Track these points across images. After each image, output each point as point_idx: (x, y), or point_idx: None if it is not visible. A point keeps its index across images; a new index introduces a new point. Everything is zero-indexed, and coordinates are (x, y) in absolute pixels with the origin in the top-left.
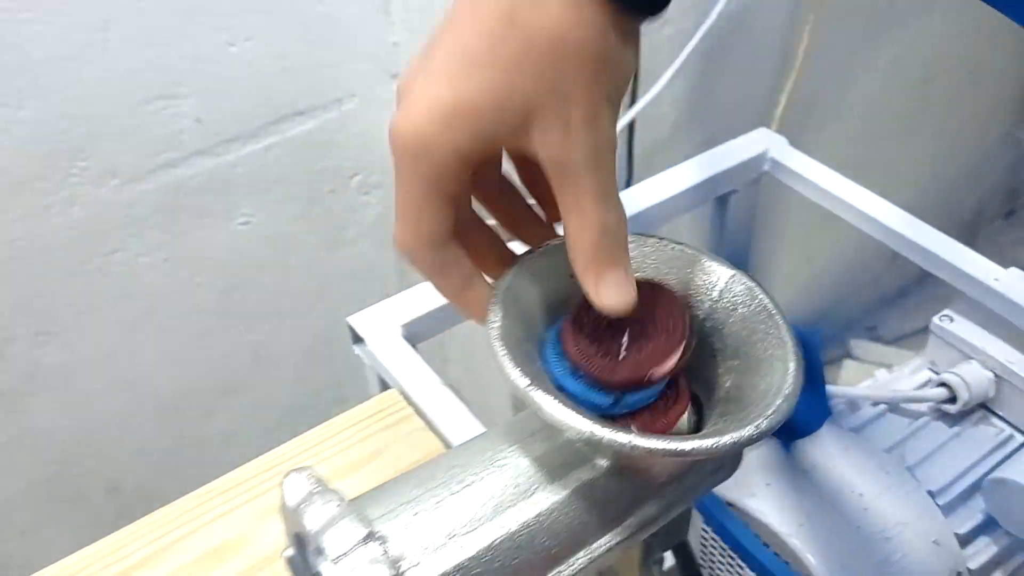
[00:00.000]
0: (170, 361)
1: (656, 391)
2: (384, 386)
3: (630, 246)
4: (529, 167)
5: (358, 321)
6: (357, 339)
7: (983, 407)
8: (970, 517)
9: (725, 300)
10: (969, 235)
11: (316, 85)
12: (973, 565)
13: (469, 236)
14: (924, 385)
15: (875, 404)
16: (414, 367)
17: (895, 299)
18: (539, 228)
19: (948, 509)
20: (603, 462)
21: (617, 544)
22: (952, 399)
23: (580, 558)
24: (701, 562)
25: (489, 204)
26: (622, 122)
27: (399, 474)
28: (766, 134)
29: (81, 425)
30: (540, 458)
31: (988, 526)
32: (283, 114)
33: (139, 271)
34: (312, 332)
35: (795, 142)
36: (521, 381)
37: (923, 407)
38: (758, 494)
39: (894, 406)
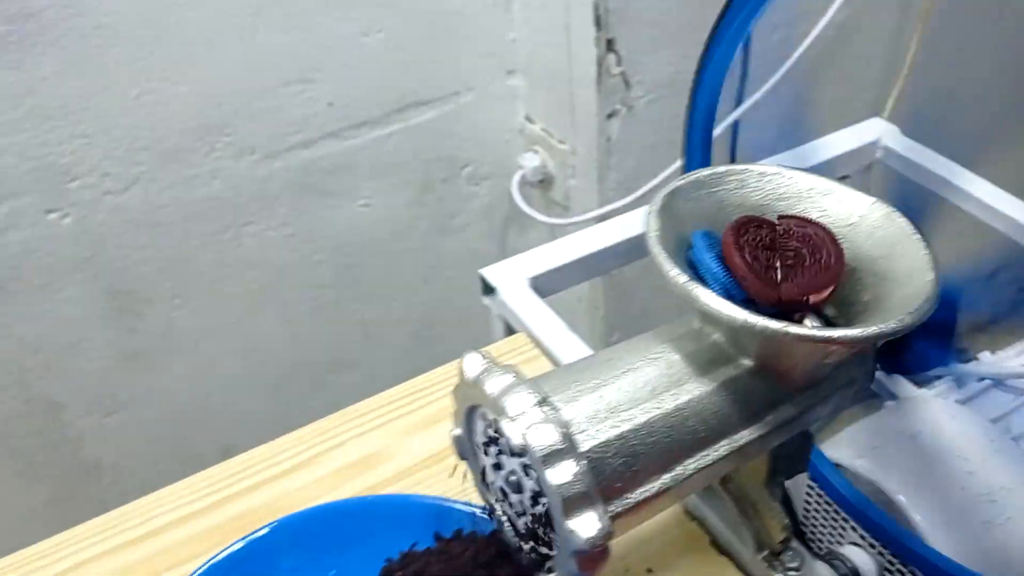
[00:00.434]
0: (288, 333)
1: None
2: (511, 334)
3: (767, 178)
4: None
5: (490, 272)
6: (488, 290)
7: None
8: None
9: (864, 225)
10: None
11: (437, 77)
12: None
13: None
14: None
15: (981, 379)
16: (542, 313)
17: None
18: None
19: None
20: (747, 362)
21: (756, 439)
22: None
23: (723, 446)
24: (803, 524)
25: None
26: (724, 124)
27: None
28: (878, 123)
29: (202, 388)
30: (690, 355)
31: None
32: (406, 103)
33: (267, 244)
34: (418, 315)
35: (907, 134)
36: (680, 277)
37: None
38: (865, 455)
39: (999, 382)
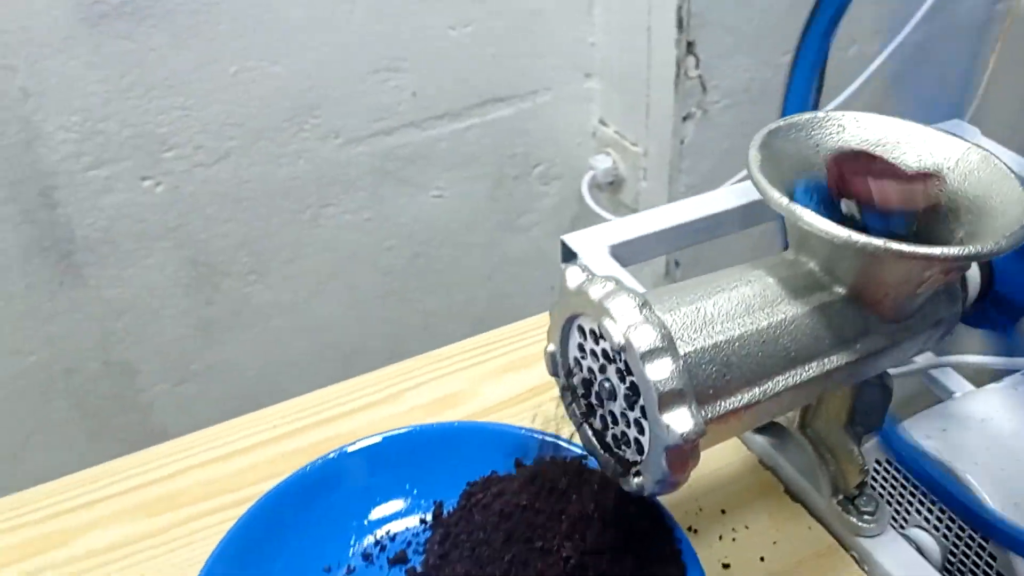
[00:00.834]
0: (353, 316)
1: (900, 223)
2: None
3: (864, 124)
4: None
5: (572, 239)
6: (568, 256)
7: None
8: None
9: (960, 168)
10: None
11: (517, 75)
12: None
13: None
14: None
15: None
16: (623, 279)
17: None
18: None
19: None
20: (840, 290)
21: (844, 366)
22: None
23: (812, 367)
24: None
25: None
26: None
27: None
28: (959, 124)
29: (268, 364)
30: (784, 280)
31: None
32: (486, 98)
33: (343, 227)
34: (479, 310)
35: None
36: (782, 199)
37: None
38: (934, 436)
39: None
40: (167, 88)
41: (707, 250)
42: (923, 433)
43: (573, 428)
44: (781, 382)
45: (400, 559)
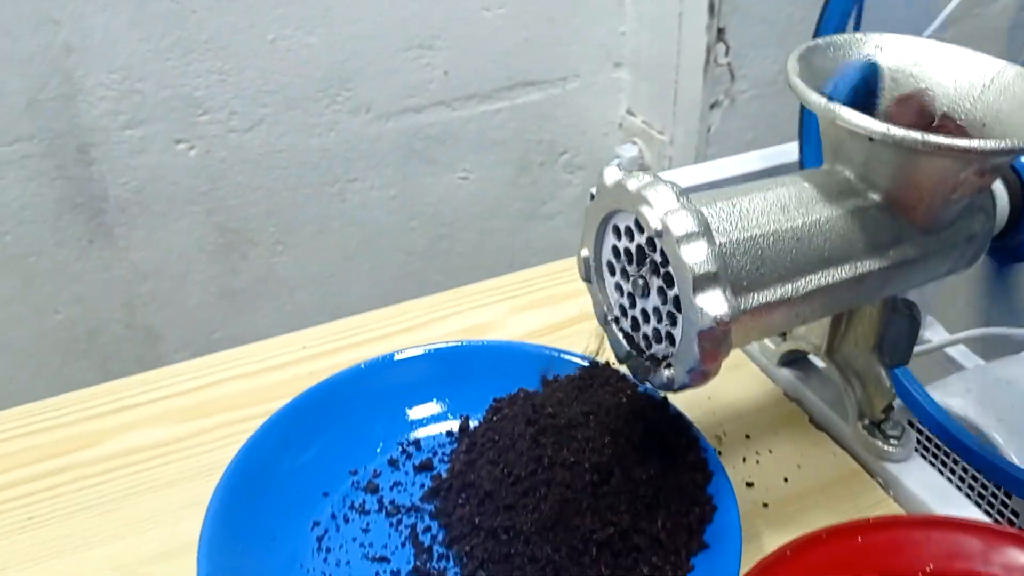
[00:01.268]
0: (376, 295)
1: None
2: None
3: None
4: None
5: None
6: None
7: None
8: None
9: (996, 85)
10: None
11: (548, 60)
12: None
13: None
14: None
15: None
16: None
17: None
18: None
19: None
20: (875, 197)
21: (877, 271)
22: None
23: (846, 270)
24: None
25: None
26: None
27: None
28: None
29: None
30: (820, 185)
31: None
32: (516, 82)
33: (369, 203)
34: None
35: None
36: (821, 99)
37: None
38: (959, 395)
39: None
40: (205, 51)
41: None
42: (948, 393)
43: (602, 352)
44: (814, 281)
45: (426, 466)
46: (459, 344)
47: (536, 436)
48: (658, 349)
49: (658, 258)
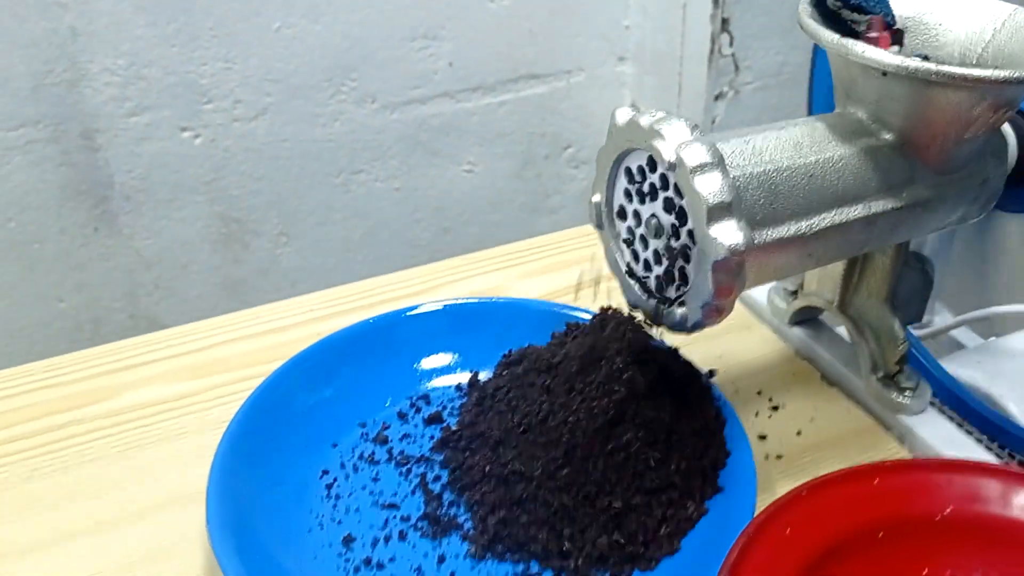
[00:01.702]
0: None
1: None
2: None
3: None
4: None
5: None
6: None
7: None
8: None
9: (1007, 27)
10: None
11: (552, 53)
12: None
13: None
14: None
15: None
16: None
17: None
18: None
19: None
20: (888, 136)
21: (890, 211)
22: None
23: (859, 209)
24: None
25: None
26: None
27: None
28: None
29: None
30: (832, 125)
31: None
32: (520, 74)
33: (374, 194)
34: None
35: None
36: (834, 36)
37: None
38: (972, 367)
39: None
40: (211, 38)
41: None
42: (959, 365)
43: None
44: (827, 219)
45: (435, 419)
46: (471, 300)
47: (547, 384)
48: (671, 290)
49: (672, 194)
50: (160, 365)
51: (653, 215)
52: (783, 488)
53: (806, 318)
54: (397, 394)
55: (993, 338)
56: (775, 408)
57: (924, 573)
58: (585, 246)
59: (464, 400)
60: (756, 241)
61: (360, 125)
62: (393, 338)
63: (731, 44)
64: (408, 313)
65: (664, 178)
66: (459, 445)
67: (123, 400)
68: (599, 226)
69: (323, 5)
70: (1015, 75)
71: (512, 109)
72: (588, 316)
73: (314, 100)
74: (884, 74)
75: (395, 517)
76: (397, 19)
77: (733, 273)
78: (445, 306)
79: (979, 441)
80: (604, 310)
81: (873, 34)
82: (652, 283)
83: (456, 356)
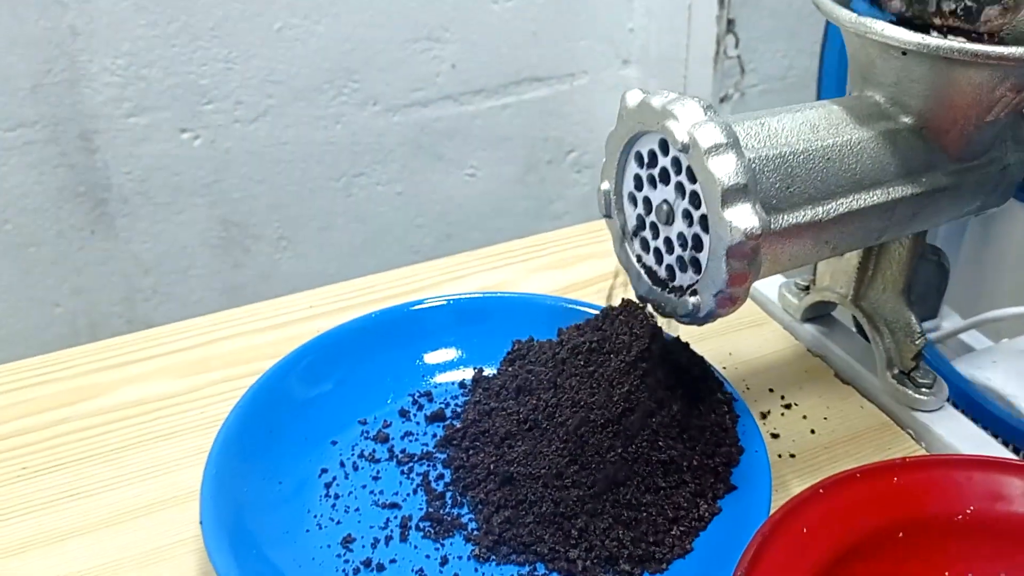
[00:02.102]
0: None
1: None
2: None
3: None
4: None
5: None
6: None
7: None
8: None
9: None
10: None
11: (556, 55)
12: None
13: None
14: None
15: None
16: None
17: None
18: None
19: None
20: (906, 119)
21: (909, 197)
22: None
23: (877, 194)
24: None
25: None
26: None
27: None
28: None
29: None
30: (850, 108)
31: None
32: (524, 77)
33: (375, 198)
34: None
35: None
36: (851, 15)
37: None
38: (984, 368)
39: None
40: (212, 38)
41: None
42: (973, 365)
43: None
44: (844, 204)
45: (438, 416)
46: (476, 295)
47: (554, 378)
48: (683, 279)
49: (684, 178)
50: (156, 362)
51: (665, 201)
52: (797, 488)
53: (818, 314)
54: (399, 391)
55: (1005, 340)
56: (787, 406)
57: (944, 575)
58: (593, 242)
59: (468, 397)
60: (772, 226)
61: (362, 128)
62: (396, 333)
63: (737, 46)
64: (412, 308)
65: (676, 161)
66: (462, 443)
67: (118, 397)
68: (607, 215)
69: (325, 6)
70: None
71: (515, 112)
72: (594, 310)
73: (316, 102)
74: (904, 53)
75: (396, 517)
76: (400, 21)
77: (748, 259)
78: (449, 301)
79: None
80: (612, 305)
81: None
82: (663, 273)
83: (460, 352)
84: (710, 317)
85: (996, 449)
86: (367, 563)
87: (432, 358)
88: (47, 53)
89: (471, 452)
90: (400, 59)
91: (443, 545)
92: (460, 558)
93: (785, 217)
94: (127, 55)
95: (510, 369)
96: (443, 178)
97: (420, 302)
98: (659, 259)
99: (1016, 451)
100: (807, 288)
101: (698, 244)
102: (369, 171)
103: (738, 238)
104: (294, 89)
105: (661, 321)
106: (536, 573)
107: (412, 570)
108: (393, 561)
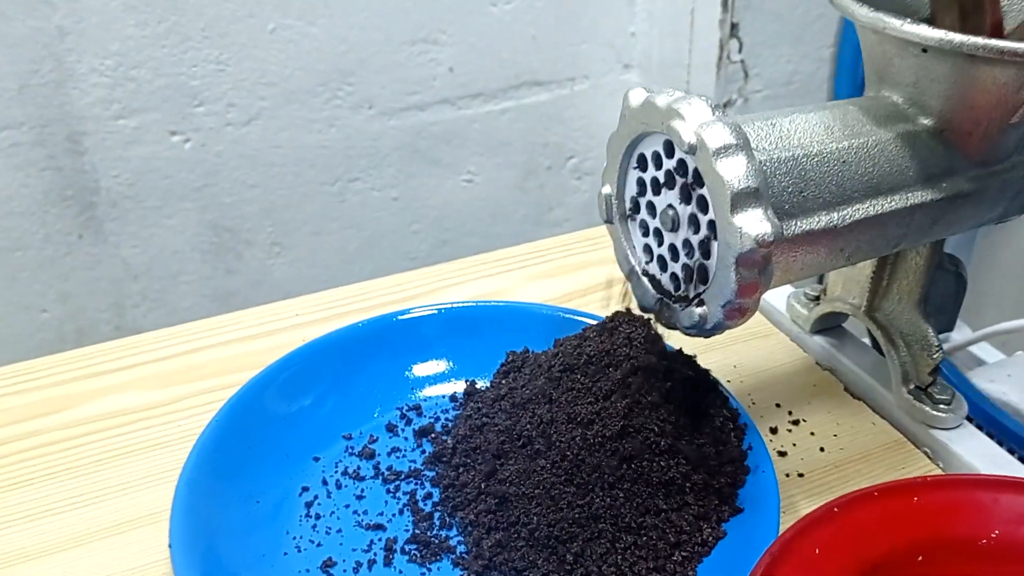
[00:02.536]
0: None
1: None
2: None
3: None
4: None
5: None
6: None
7: None
8: None
9: None
10: None
11: (556, 59)
12: None
13: None
14: None
15: None
16: None
17: None
18: None
19: None
20: (926, 121)
21: (928, 204)
22: None
23: (895, 200)
24: None
25: None
26: None
27: None
28: None
29: None
30: (866, 109)
31: None
32: (523, 81)
33: (370, 204)
34: None
35: None
36: (866, 10)
37: None
38: (998, 381)
39: None
40: (203, 39)
41: None
42: (987, 379)
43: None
44: (861, 210)
45: (427, 431)
46: (467, 304)
47: (550, 392)
48: (688, 289)
49: (690, 179)
50: (134, 371)
51: (669, 206)
52: (806, 510)
53: (828, 325)
54: (386, 404)
55: (1020, 352)
56: (795, 422)
57: None
58: (593, 249)
59: (459, 411)
60: (785, 233)
61: (357, 132)
62: (383, 344)
63: (740, 51)
64: (399, 317)
65: (682, 164)
66: (452, 460)
67: (94, 408)
68: (609, 220)
69: (320, 7)
70: None
71: (514, 117)
72: (591, 320)
73: (309, 105)
74: (924, 51)
75: (380, 539)
76: (396, 23)
77: (759, 268)
78: (439, 310)
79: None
80: (615, 313)
81: None
82: (667, 282)
83: (451, 364)
84: (717, 329)
85: (1020, 470)
86: None
87: (421, 369)
88: (34, 53)
89: (461, 470)
90: (396, 62)
91: (430, 570)
92: None
93: (798, 223)
94: (116, 55)
95: (504, 382)
96: (440, 184)
97: (408, 311)
98: (663, 267)
99: None
100: (817, 298)
101: (705, 252)
102: (364, 176)
103: (749, 245)
104: (287, 91)
105: (663, 332)
106: None
107: None
108: None
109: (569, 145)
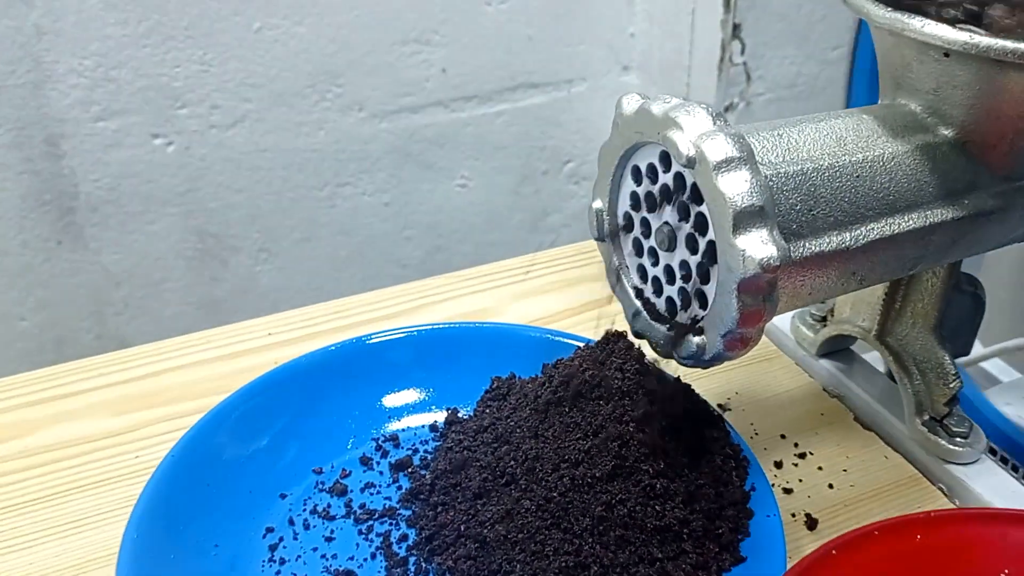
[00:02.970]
0: None
1: None
2: None
3: None
4: None
5: None
6: None
7: None
8: None
9: None
10: None
11: (552, 61)
12: None
13: None
14: None
15: None
16: None
17: None
18: None
19: None
20: (946, 132)
21: (949, 222)
22: None
23: (914, 218)
24: None
25: None
26: None
27: None
28: None
29: None
30: (881, 118)
31: None
32: (519, 83)
33: (361, 209)
34: None
35: None
36: (882, 10)
37: None
38: (1014, 403)
39: None
40: (186, 38)
41: None
42: (1003, 400)
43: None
44: (876, 229)
45: (404, 465)
46: (448, 325)
47: (536, 427)
48: (685, 315)
49: (688, 196)
50: (90, 396)
51: (666, 223)
52: None
53: (836, 348)
54: (360, 434)
55: None
56: (801, 455)
57: None
58: (588, 263)
59: (439, 443)
60: (792, 255)
61: (346, 135)
62: (356, 369)
63: (743, 52)
64: (372, 340)
65: (680, 178)
66: (431, 498)
67: (43, 438)
68: (600, 238)
69: (307, 6)
70: None
71: (509, 120)
72: (580, 343)
73: (297, 107)
74: (946, 55)
75: None
76: (387, 22)
77: (763, 294)
78: (418, 332)
79: None
80: (605, 338)
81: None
82: (663, 306)
83: (430, 391)
84: (716, 360)
85: None
86: None
87: (398, 398)
88: (11, 53)
89: (440, 509)
90: (387, 63)
91: None
92: None
93: (807, 245)
94: (96, 55)
95: (487, 411)
96: (433, 188)
97: (382, 333)
98: (658, 290)
99: None
100: (824, 320)
101: (704, 275)
102: (354, 180)
103: (752, 270)
104: (274, 93)
105: (659, 359)
106: None
107: None
108: None
109: (566, 149)
